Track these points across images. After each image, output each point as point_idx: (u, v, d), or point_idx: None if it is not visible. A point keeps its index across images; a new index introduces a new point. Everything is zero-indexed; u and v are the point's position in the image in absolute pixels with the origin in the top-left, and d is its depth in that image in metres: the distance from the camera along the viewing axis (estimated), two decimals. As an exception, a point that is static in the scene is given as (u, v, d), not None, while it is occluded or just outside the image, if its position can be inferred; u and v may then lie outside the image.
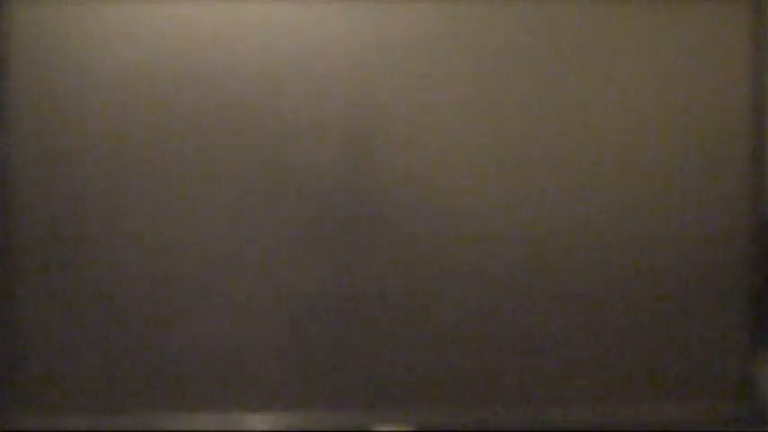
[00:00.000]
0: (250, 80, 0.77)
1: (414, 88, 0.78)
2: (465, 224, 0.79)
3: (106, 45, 0.77)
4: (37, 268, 0.78)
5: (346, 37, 0.78)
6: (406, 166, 0.79)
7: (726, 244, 0.80)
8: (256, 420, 0.79)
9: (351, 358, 0.79)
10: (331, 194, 0.78)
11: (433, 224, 0.79)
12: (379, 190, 0.79)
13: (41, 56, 0.77)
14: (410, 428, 0.80)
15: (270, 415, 0.80)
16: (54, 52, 0.77)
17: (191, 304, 0.78)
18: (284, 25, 0.77)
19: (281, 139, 0.78)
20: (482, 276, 0.79)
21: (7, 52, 0.76)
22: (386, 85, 0.78)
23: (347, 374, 0.80)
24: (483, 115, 0.79)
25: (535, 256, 0.80)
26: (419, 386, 0.80)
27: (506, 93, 0.79)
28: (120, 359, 0.79)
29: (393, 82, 0.78)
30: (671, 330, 0.81)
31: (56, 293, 0.78)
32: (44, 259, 0.78)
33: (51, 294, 0.78)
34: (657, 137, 0.80)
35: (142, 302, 0.78)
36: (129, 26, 0.77)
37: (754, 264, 0.81)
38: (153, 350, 0.79)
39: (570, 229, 0.80)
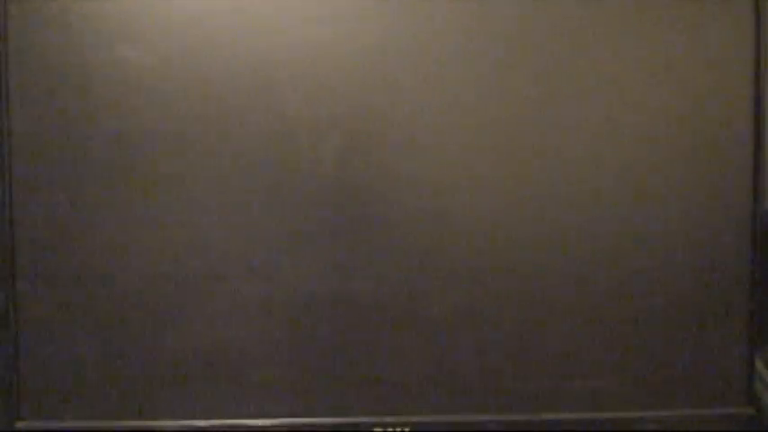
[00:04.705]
0: (251, 79, 0.77)
1: (415, 88, 0.78)
2: (465, 225, 0.79)
3: (104, 41, 0.77)
4: (37, 269, 0.78)
5: (347, 37, 0.78)
6: (407, 167, 0.78)
7: (726, 243, 0.80)
8: (256, 421, 0.79)
9: (350, 360, 0.79)
10: (331, 195, 0.78)
11: (434, 225, 0.79)
12: (379, 190, 0.79)
13: (38, 52, 0.77)
14: (409, 429, 0.80)
15: (269, 416, 0.80)
16: (51, 48, 0.77)
17: (189, 305, 0.78)
18: (285, 24, 0.77)
19: (282, 140, 0.78)
20: (482, 278, 0.79)
21: (3, 47, 0.76)
22: (386, 85, 0.78)
23: (347, 376, 0.80)
24: (483, 115, 0.79)
25: (535, 257, 0.80)
26: (419, 388, 0.80)
27: (507, 92, 0.79)
28: (120, 361, 0.79)
29: (393, 82, 0.78)
30: (670, 331, 0.81)
31: (56, 295, 0.78)
32: (44, 260, 0.78)
33: (52, 295, 0.78)
34: (658, 135, 0.80)
35: (141, 303, 0.78)
36: (127, 22, 0.77)
37: (755, 263, 0.80)
38: (152, 351, 0.79)
39: (570, 229, 0.79)
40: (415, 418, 0.80)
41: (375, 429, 0.80)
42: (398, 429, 0.80)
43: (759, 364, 0.82)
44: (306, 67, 0.77)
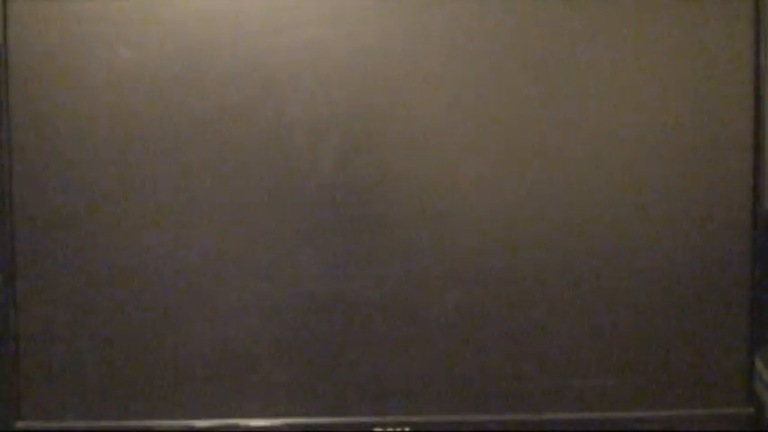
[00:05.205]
0: (250, 80, 0.77)
1: (415, 89, 0.78)
2: (465, 225, 0.79)
3: (104, 39, 0.77)
4: (36, 269, 0.78)
5: (347, 37, 0.78)
6: (407, 167, 0.79)
7: (726, 243, 0.80)
8: (256, 421, 0.79)
9: (350, 360, 0.79)
10: (331, 195, 0.78)
11: (434, 225, 0.79)
12: (379, 190, 0.79)
13: (39, 50, 0.77)
14: (410, 429, 0.80)
15: (270, 416, 0.80)
16: (51, 47, 0.77)
17: (189, 305, 0.78)
18: (285, 25, 0.77)
19: (282, 140, 0.78)
20: (482, 278, 0.79)
21: (5, 46, 0.76)
22: (386, 85, 0.78)
23: (347, 376, 0.80)
24: (483, 116, 0.79)
25: (534, 256, 0.80)
26: (419, 388, 0.80)
27: (507, 93, 0.79)
28: (120, 361, 0.79)
29: (393, 82, 0.78)
30: (670, 331, 0.81)
31: (56, 295, 0.78)
32: (43, 260, 0.78)
33: (52, 295, 0.78)
34: (658, 135, 0.80)
35: (141, 303, 0.78)
36: (127, 23, 0.77)
37: (755, 263, 0.80)
38: (153, 351, 0.79)
39: (569, 229, 0.79)
40: (415, 418, 0.80)
41: (375, 429, 0.80)
42: (398, 429, 0.80)
43: (759, 364, 0.82)
44: (306, 67, 0.78)
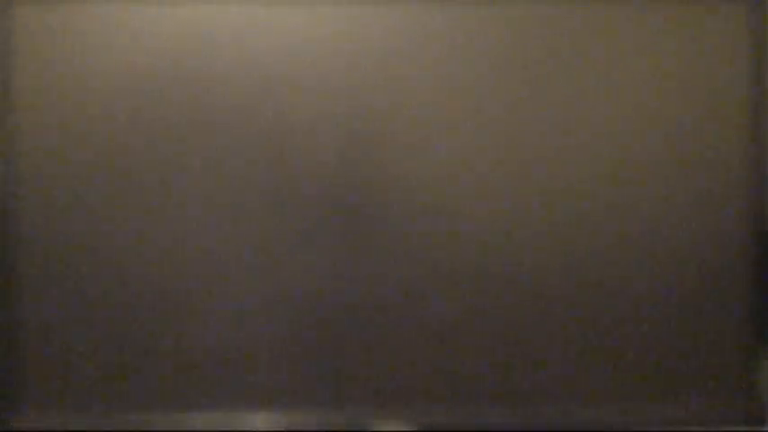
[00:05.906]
0: (251, 81, 0.77)
1: (415, 88, 0.78)
2: (465, 225, 0.79)
3: (108, 46, 0.77)
4: (37, 268, 0.78)
5: (347, 38, 0.78)
6: (407, 167, 0.79)
7: (725, 244, 0.80)
8: (257, 420, 0.80)
9: (351, 358, 0.80)
10: (331, 195, 0.78)
11: (433, 225, 0.79)
12: (379, 191, 0.79)
13: (44, 56, 0.77)
14: (410, 428, 0.80)
15: (270, 415, 0.80)
16: (56, 53, 0.77)
17: (190, 304, 0.78)
18: (285, 26, 0.78)
19: (282, 141, 0.78)
20: (482, 277, 0.79)
21: (9, 53, 0.76)
22: (386, 86, 0.78)
23: (347, 374, 0.80)
24: (483, 116, 0.79)
25: (535, 257, 0.80)
26: (419, 386, 0.80)
27: (506, 93, 0.79)
28: (120, 359, 0.79)
29: (393, 83, 0.78)
30: (671, 331, 0.81)
31: (56, 293, 0.78)
32: (44, 259, 0.78)
33: (51, 294, 0.78)
34: (657, 137, 0.80)
35: (141, 302, 0.78)
36: (130, 27, 0.77)
37: (755, 264, 0.80)
38: (153, 350, 0.79)
39: (569, 231, 0.80)
40: (416, 418, 0.80)
41: (375, 429, 0.80)
42: (398, 429, 0.80)
43: (760, 364, 0.82)
44: (306, 67, 0.78)
